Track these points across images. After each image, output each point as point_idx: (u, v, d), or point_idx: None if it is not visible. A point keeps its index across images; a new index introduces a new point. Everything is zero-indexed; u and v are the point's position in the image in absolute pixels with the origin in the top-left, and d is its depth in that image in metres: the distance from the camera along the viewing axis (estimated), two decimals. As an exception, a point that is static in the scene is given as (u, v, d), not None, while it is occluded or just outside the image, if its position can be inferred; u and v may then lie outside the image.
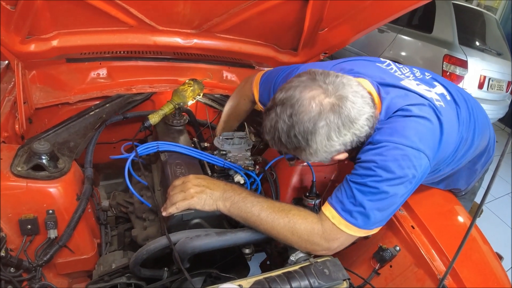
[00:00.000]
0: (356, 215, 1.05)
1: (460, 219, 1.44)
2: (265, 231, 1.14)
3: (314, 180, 1.52)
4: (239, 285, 0.93)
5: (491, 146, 1.51)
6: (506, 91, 5.07)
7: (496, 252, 1.35)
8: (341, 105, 1.00)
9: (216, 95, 2.01)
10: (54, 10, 1.41)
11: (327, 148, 1.04)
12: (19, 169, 1.19)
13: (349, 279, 1.03)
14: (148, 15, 1.61)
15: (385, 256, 1.30)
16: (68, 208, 1.23)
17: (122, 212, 1.55)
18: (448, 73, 4.52)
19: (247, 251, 1.47)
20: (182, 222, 1.19)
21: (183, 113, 1.80)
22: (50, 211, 1.19)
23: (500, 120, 5.60)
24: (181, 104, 1.73)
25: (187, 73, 1.97)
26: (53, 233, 1.19)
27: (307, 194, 1.49)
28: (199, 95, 1.85)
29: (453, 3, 4.78)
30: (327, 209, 1.10)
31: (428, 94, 1.18)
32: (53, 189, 1.20)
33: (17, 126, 1.44)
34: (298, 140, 1.02)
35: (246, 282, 0.94)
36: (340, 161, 1.17)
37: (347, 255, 1.44)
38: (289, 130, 1.02)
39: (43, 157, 1.22)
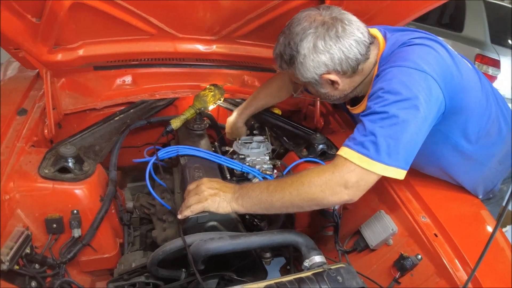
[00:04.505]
0: (367, 145, 1.02)
1: (486, 226, 1.37)
2: (280, 204, 1.11)
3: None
4: (249, 289, 0.93)
5: None
6: (544, 92, 4.80)
7: (526, 263, 1.28)
8: (332, 23, 1.13)
9: (237, 100, 2.02)
10: (78, 22, 1.47)
11: (314, 57, 1.14)
12: (46, 171, 1.26)
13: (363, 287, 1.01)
14: (167, 24, 1.65)
15: (406, 265, 1.25)
16: (92, 208, 1.28)
17: (145, 214, 1.59)
18: (480, 73, 4.36)
19: (267, 255, 1.46)
20: (198, 224, 1.21)
21: (204, 118, 1.83)
22: (75, 211, 1.25)
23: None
24: (202, 109, 1.76)
25: (208, 79, 1.99)
26: (77, 232, 1.25)
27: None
28: (220, 100, 1.88)
29: (484, 1, 4.60)
30: (340, 149, 1.09)
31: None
32: (78, 190, 1.26)
33: (46, 131, 1.51)
34: (290, 48, 1.17)
35: (257, 286, 0.94)
36: (332, 84, 1.22)
37: (367, 262, 1.41)
38: (285, 40, 1.18)
39: (69, 160, 1.29)
